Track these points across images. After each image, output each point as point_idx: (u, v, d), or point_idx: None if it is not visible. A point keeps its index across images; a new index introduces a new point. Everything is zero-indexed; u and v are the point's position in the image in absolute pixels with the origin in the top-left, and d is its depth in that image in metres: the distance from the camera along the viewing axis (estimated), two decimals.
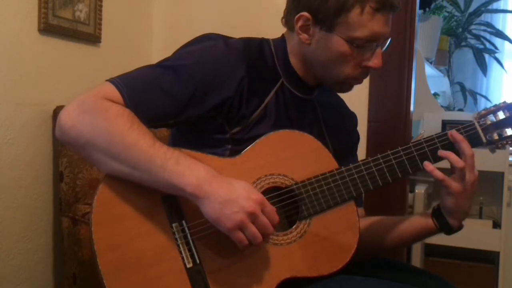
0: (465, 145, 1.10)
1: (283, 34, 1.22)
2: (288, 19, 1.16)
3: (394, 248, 1.24)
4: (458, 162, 1.09)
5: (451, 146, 1.12)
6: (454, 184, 1.10)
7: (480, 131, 1.13)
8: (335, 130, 1.27)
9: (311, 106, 1.24)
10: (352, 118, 1.37)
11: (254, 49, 1.15)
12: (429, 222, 1.17)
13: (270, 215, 0.99)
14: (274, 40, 1.20)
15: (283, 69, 1.18)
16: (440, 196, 1.15)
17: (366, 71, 1.14)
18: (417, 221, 1.19)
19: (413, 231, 1.20)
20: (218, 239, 1.02)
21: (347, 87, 1.18)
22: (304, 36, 1.13)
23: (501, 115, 1.13)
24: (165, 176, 0.97)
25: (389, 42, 1.14)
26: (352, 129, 1.36)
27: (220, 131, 1.12)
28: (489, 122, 1.13)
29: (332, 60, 1.12)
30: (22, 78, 1.55)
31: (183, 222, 1.03)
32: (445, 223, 1.16)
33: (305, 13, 1.10)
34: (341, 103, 1.35)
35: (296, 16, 1.12)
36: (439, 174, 1.11)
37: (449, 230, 1.17)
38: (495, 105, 1.15)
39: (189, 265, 1.01)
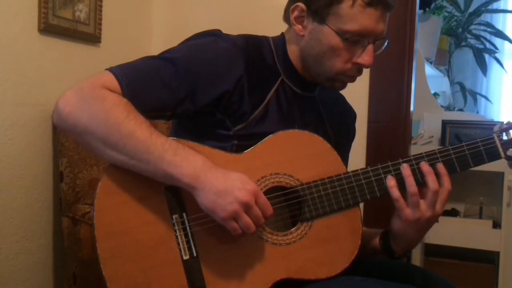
0: (430, 179, 1.08)
1: (282, 33, 1.22)
2: (287, 12, 1.17)
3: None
4: (411, 186, 1.07)
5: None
6: (407, 210, 1.08)
7: (499, 146, 1.10)
8: (337, 126, 1.28)
9: (313, 103, 1.24)
10: (351, 113, 1.38)
11: (254, 46, 1.16)
12: (377, 242, 1.19)
13: (264, 206, 1.00)
14: (274, 38, 1.21)
15: (283, 66, 1.18)
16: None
17: (358, 68, 1.14)
18: (373, 238, 1.21)
19: (368, 249, 1.21)
20: (217, 233, 1.03)
21: (339, 84, 1.17)
22: (298, 27, 1.14)
23: None
24: (163, 166, 0.98)
25: (387, 44, 1.14)
26: (351, 125, 1.38)
27: (224, 127, 1.12)
28: (510, 137, 1.10)
29: (323, 53, 1.11)
30: (22, 78, 1.55)
31: (184, 214, 1.04)
32: (388, 246, 1.16)
33: (300, 4, 1.12)
34: (341, 98, 1.36)
35: (292, 7, 1.13)
36: (396, 193, 1.08)
37: (391, 254, 1.17)
38: None
39: (185, 257, 1.02)
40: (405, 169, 1.09)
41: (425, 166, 1.09)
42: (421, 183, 1.09)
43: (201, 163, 0.99)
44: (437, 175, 1.09)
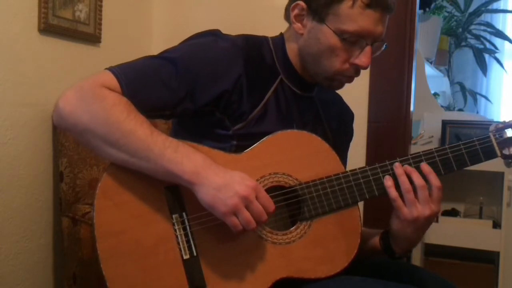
0: (414, 176, 1.08)
1: (281, 33, 1.23)
2: (287, 10, 1.18)
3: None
4: (405, 184, 1.08)
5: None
6: (404, 210, 1.08)
7: (495, 144, 1.11)
8: (336, 126, 1.29)
9: (312, 103, 1.25)
10: (349, 113, 1.38)
11: (253, 46, 1.16)
12: (377, 242, 1.19)
13: (265, 201, 1.00)
14: (273, 38, 1.22)
15: (282, 66, 1.18)
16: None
17: (356, 69, 1.14)
18: (372, 238, 1.20)
19: (367, 249, 1.20)
20: (217, 233, 1.04)
21: (337, 84, 1.18)
22: (297, 25, 1.14)
23: None
24: (163, 163, 0.98)
25: (385, 47, 1.14)
26: (349, 125, 1.38)
27: (223, 127, 1.12)
28: (506, 136, 1.11)
29: (322, 52, 1.12)
30: (22, 78, 1.55)
31: (184, 213, 1.04)
32: (388, 246, 1.16)
33: (301, 2, 1.12)
34: (339, 99, 1.36)
35: (292, 5, 1.14)
36: (393, 193, 1.08)
37: (392, 255, 1.17)
38: None
39: (186, 257, 1.02)
40: (397, 168, 1.10)
41: (407, 167, 1.09)
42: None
43: (201, 160, 1.00)
44: (423, 175, 1.09)
